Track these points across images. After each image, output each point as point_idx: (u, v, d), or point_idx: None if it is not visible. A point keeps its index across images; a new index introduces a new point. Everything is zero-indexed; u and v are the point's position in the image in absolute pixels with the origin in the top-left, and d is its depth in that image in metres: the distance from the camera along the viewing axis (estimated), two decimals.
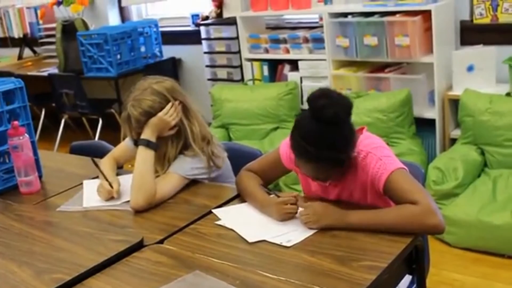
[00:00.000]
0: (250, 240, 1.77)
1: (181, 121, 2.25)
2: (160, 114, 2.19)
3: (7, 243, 1.95)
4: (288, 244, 1.73)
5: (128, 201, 2.13)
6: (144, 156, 2.18)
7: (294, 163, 1.94)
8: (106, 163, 2.40)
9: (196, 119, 2.30)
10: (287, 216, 1.88)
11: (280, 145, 2.09)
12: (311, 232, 1.79)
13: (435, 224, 1.72)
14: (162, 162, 2.26)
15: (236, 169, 2.27)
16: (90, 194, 2.25)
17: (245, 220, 1.92)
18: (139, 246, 1.82)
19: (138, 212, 2.07)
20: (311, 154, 1.78)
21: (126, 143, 2.45)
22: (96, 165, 2.29)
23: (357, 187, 1.92)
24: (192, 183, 2.24)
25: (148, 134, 2.20)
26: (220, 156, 2.32)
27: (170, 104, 2.20)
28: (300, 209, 1.88)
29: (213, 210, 2.01)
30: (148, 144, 2.19)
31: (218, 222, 1.92)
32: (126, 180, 2.32)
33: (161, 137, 2.24)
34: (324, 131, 1.77)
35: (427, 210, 1.72)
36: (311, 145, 1.77)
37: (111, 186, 2.22)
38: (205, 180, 2.29)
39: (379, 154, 1.85)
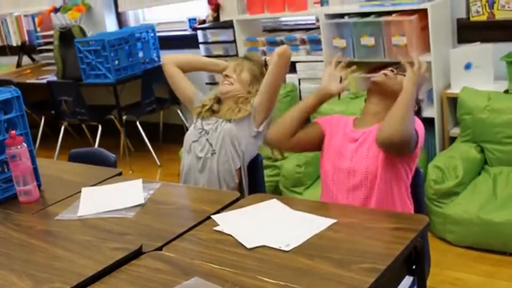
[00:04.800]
0: (248, 246, 1.77)
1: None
2: None
3: (6, 253, 1.94)
4: (287, 248, 1.73)
5: (127, 208, 2.13)
6: None
7: (331, 124, 2.28)
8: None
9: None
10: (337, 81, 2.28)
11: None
12: (310, 235, 1.78)
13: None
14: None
15: None
16: (87, 202, 2.25)
17: (243, 225, 1.91)
18: (138, 253, 1.81)
19: None
20: None
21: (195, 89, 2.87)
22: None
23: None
24: (188, 188, 2.23)
25: None
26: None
27: None
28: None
29: (212, 216, 2.00)
30: None
31: (216, 228, 1.92)
32: (126, 187, 2.33)
33: None
34: None
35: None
36: None
37: None
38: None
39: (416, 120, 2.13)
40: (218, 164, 2.60)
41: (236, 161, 2.62)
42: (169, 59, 2.89)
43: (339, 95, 2.35)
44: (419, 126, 2.13)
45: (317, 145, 2.30)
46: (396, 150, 2.04)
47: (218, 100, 2.77)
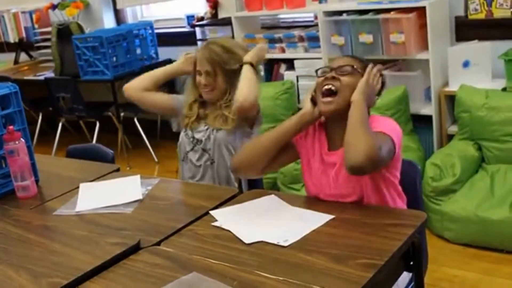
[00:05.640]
0: (246, 241, 1.77)
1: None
2: None
3: (4, 248, 1.94)
4: (285, 244, 1.73)
5: (125, 203, 2.13)
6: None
7: (303, 136, 2.08)
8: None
9: None
10: None
11: None
12: (308, 231, 1.79)
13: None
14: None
15: None
16: (85, 198, 2.25)
17: (241, 221, 1.91)
18: (136, 248, 1.81)
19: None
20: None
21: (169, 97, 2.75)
22: None
23: None
24: (186, 184, 2.23)
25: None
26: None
27: None
28: None
29: (210, 212, 2.00)
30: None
31: (214, 223, 1.92)
32: (124, 182, 2.33)
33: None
34: None
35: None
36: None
37: None
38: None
39: (385, 121, 1.98)
40: (218, 171, 2.56)
41: None
42: (132, 89, 2.72)
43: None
44: (394, 131, 1.93)
45: (293, 161, 2.20)
46: (371, 171, 1.87)
47: (202, 103, 2.65)
